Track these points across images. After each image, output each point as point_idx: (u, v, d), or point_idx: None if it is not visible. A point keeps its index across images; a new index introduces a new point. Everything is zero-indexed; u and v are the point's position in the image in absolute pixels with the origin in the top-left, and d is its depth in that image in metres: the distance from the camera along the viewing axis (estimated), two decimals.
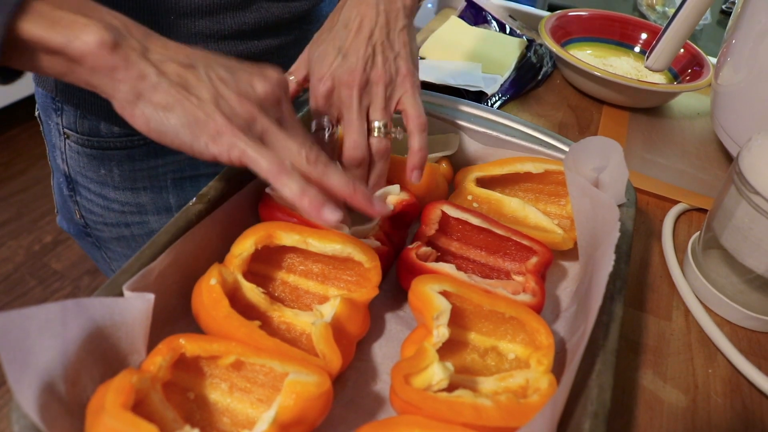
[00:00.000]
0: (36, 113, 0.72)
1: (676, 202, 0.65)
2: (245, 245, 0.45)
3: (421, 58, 0.83)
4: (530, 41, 0.91)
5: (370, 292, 0.46)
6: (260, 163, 0.39)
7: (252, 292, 0.43)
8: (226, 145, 0.39)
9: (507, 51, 0.87)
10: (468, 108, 0.61)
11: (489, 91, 0.78)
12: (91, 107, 0.64)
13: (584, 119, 0.78)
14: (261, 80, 0.43)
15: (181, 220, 0.44)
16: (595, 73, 0.76)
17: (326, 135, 0.51)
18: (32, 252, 1.86)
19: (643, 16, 1.04)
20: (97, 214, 0.70)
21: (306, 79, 0.54)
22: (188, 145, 0.39)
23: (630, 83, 0.74)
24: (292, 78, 0.54)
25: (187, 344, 0.38)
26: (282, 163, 0.39)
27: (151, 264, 0.40)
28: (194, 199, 0.46)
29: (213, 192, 0.47)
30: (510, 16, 1.00)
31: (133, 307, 0.37)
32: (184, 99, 0.39)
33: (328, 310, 0.44)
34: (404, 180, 0.53)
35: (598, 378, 0.38)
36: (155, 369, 0.36)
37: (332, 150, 0.52)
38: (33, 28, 0.35)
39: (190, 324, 0.42)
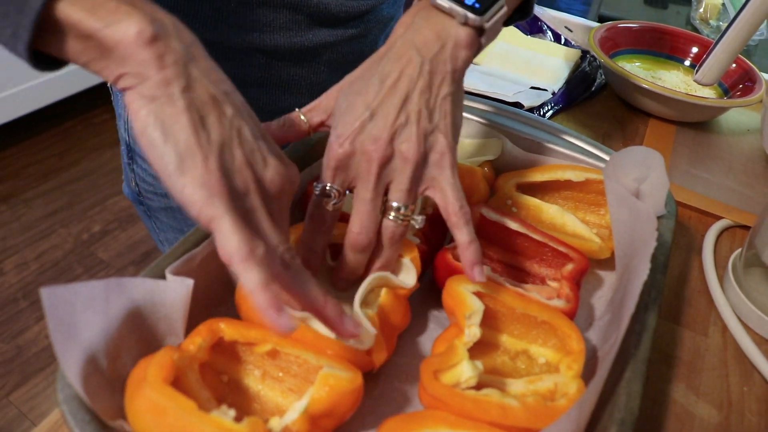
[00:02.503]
0: (108, 83, 0.75)
1: (719, 218, 0.64)
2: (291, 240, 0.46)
3: (474, 64, 0.83)
4: (585, 52, 0.90)
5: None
6: (231, 238, 0.33)
7: None
8: (204, 200, 0.33)
9: (561, 62, 0.87)
10: (511, 114, 0.62)
11: (527, 104, 0.77)
12: None
13: (629, 131, 0.78)
14: (276, 165, 0.38)
15: None
16: (643, 85, 0.75)
17: (330, 205, 0.44)
18: (81, 240, 1.92)
19: (696, 29, 1.03)
20: (148, 183, 0.73)
21: (320, 125, 0.47)
22: (167, 173, 0.33)
23: (677, 96, 0.74)
24: (303, 118, 0.47)
25: (227, 328, 0.40)
26: (255, 249, 0.33)
27: (195, 250, 0.42)
28: None
29: None
30: (566, 27, 1.00)
31: (173, 291, 0.38)
32: (191, 129, 0.34)
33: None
34: None
35: (627, 386, 0.38)
36: (194, 349, 0.38)
37: (331, 222, 0.45)
38: (73, 10, 0.32)
39: (230, 311, 0.44)
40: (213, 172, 0.33)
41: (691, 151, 0.74)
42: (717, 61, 0.70)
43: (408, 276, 0.46)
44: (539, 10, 1.01)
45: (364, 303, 0.43)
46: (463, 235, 0.43)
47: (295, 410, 0.37)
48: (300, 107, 0.48)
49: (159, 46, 0.33)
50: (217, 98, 0.36)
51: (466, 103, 0.64)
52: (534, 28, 0.97)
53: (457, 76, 0.44)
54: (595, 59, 0.89)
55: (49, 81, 2.17)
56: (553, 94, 0.81)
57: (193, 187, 0.33)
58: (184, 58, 0.35)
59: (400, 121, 0.42)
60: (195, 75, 0.35)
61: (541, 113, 0.78)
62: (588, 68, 0.87)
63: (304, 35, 0.64)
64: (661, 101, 0.77)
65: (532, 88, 0.81)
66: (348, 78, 0.46)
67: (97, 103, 2.47)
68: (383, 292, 0.44)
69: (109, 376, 0.35)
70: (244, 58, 0.64)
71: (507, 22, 0.51)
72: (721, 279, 0.57)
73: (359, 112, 0.43)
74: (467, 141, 0.61)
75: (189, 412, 0.31)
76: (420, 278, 0.47)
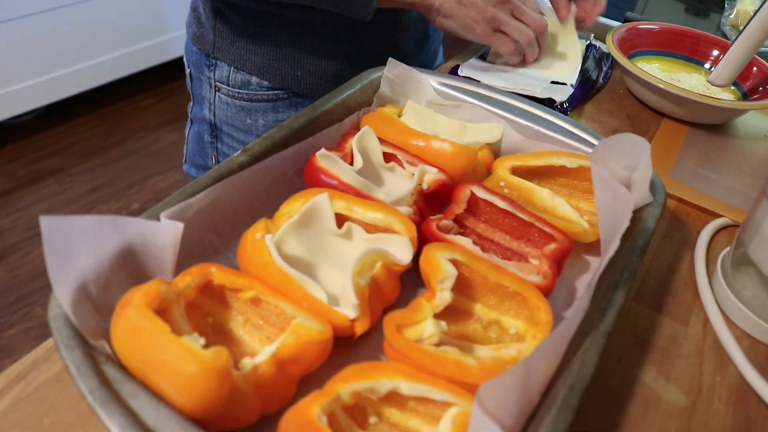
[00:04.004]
0: (187, 70, 0.83)
1: (719, 216, 0.64)
2: (294, 206, 0.49)
3: (491, 62, 0.85)
4: (588, 44, 0.91)
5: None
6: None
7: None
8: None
9: (572, 52, 0.87)
10: (512, 100, 0.64)
11: (558, 99, 0.78)
12: (245, 64, 0.76)
13: (640, 129, 0.78)
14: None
15: (224, 168, 0.49)
16: (659, 84, 0.76)
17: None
18: None
19: (725, 35, 1.02)
20: None
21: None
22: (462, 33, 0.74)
23: (691, 96, 0.74)
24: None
25: (217, 273, 0.43)
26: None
27: (191, 199, 0.45)
28: (239, 151, 0.51)
29: (257, 147, 0.51)
30: None
31: (164, 232, 0.41)
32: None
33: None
34: (443, 165, 0.56)
35: (582, 354, 0.40)
36: (183, 286, 0.41)
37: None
38: None
39: (223, 262, 0.47)
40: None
41: (701, 151, 0.75)
42: (731, 62, 0.70)
43: (404, 254, 0.48)
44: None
45: (358, 273, 0.46)
46: None
47: (265, 353, 0.39)
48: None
49: None
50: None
51: (476, 90, 0.66)
52: None
53: None
54: (597, 48, 0.89)
55: (98, 64, 2.26)
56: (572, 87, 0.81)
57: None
58: None
59: None
60: None
61: (564, 107, 0.78)
62: (595, 55, 0.87)
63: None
64: (675, 101, 0.77)
65: (553, 82, 0.82)
66: None
67: (142, 88, 2.56)
68: (378, 265, 0.47)
69: (98, 304, 0.38)
70: (333, 33, 0.76)
71: None
72: (710, 273, 0.58)
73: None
74: (469, 125, 0.63)
75: (162, 334, 0.34)
76: (414, 258, 0.49)
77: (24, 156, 2.20)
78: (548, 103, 0.77)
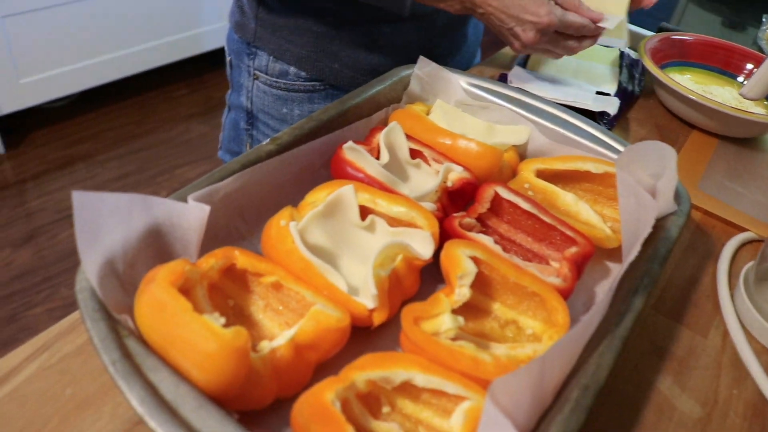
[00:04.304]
0: (227, 58, 0.86)
1: (744, 230, 0.64)
2: (319, 196, 0.49)
3: (533, 70, 0.85)
4: (621, 52, 0.90)
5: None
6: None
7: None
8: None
9: (606, 66, 0.87)
10: (539, 103, 0.64)
11: (612, 111, 0.77)
12: (284, 54, 0.78)
13: (669, 140, 0.78)
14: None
15: (252, 155, 0.49)
16: (690, 96, 0.75)
17: None
18: None
19: (761, 50, 1.01)
20: None
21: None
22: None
23: (723, 109, 0.73)
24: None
25: (240, 256, 0.43)
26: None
27: (219, 184, 0.46)
28: (268, 140, 0.51)
29: (286, 137, 0.52)
30: None
31: (191, 214, 0.42)
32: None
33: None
34: (468, 164, 0.56)
35: (598, 357, 0.40)
36: (207, 267, 0.41)
37: None
38: None
39: (247, 248, 0.47)
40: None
41: (729, 164, 0.74)
42: (765, 76, 0.69)
43: (426, 248, 0.48)
44: None
45: (379, 264, 0.46)
46: None
47: (283, 337, 0.40)
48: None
49: None
50: None
51: (505, 92, 0.66)
52: None
53: None
54: (629, 57, 0.89)
55: (134, 53, 2.30)
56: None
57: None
58: None
59: None
60: None
61: (610, 117, 0.77)
62: (627, 68, 0.87)
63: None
64: (706, 113, 0.76)
65: (598, 93, 0.81)
66: None
67: (176, 79, 2.60)
68: (399, 258, 0.47)
69: (123, 280, 0.40)
70: (372, 28, 0.76)
71: None
72: (733, 287, 0.57)
73: None
74: (496, 126, 0.63)
75: (184, 311, 0.35)
76: (435, 254, 0.49)
77: (56, 140, 2.24)
78: (598, 116, 0.76)
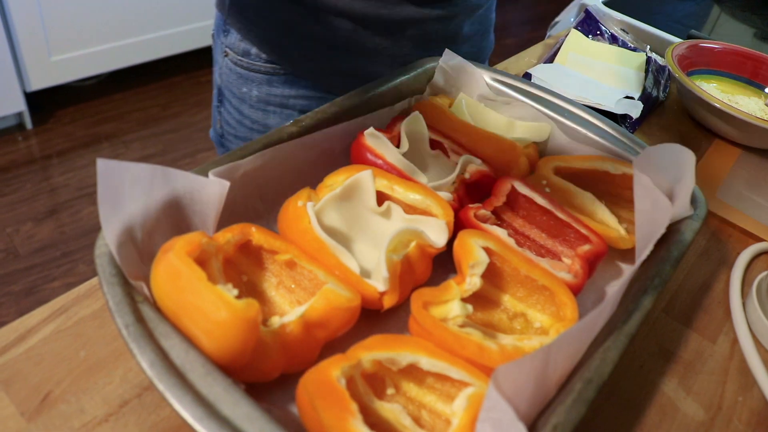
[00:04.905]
0: (212, 32, 0.85)
1: (760, 240, 0.63)
2: (337, 179, 0.50)
3: (559, 63, 0.85)
4: (647, 57, 0.90)
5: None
6: None
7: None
8: None
9: (631, 69, 0.87)
10: (561, 102, 0.64)
11: (634, 115, 0.76)
12: (248, 33, 0.76)
13: (691, 147, 0.77)
14: None
15: (274, 136, 0.50)
16: (715, 104, 0.75)
17: None
18: None
19: None
20: (231, 126, 0.82)
21: None
22: None
23: (748, 119, 0.73)
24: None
25: (256, 233, 0.44)
26: None
27: (239, 161, 0.47)
28: (291, 121, 0.52)
29: (308, 120, 0.53)
30: (622, 29, 0.99)
31: (211, 189, 0.43)
32: None
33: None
34: (487, 157, 0.57)
35: (603, 353, 0.40)
36: (223, 241, 0.42)
37: None
38: None
39: (263, 227, 0.48)
40: None
41: (750, 174, 0.73)
42: None
43: (439, 237, 0.49)
44: (599, 11, 1.00)
45: (392, 249, 0.46)
46: None
47: (294, 313, 0.41)
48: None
49: None
50: None
51: (528, 88, 0.66)
52: (593, 29, 0.96)
53: None
54: (655, 62, 0.88)
55: (164, 36, 2.33)
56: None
57: None
58: None
59: None
60: None
61: (633, 121, 0.77)
62: (653, 74, 0.86)
63: (392, 8, 0.69)
64: (731, 122, 0.76)
65: (626, 97, 0.81)
66: None
67: (203, 63, 2.62)
68: (412, 244, 0.48)
69: (141, 249, 0.40)
70: (333, 22, 0.70)
71: None
72: (745, 295, 0.57)
73: None
74: (517, 122, 0.63)
75: (198, 280, 0.36)
76: (448, 244, 0.49)
77: (83, 118, 2.28)
78: (620, 118, 0.76)
